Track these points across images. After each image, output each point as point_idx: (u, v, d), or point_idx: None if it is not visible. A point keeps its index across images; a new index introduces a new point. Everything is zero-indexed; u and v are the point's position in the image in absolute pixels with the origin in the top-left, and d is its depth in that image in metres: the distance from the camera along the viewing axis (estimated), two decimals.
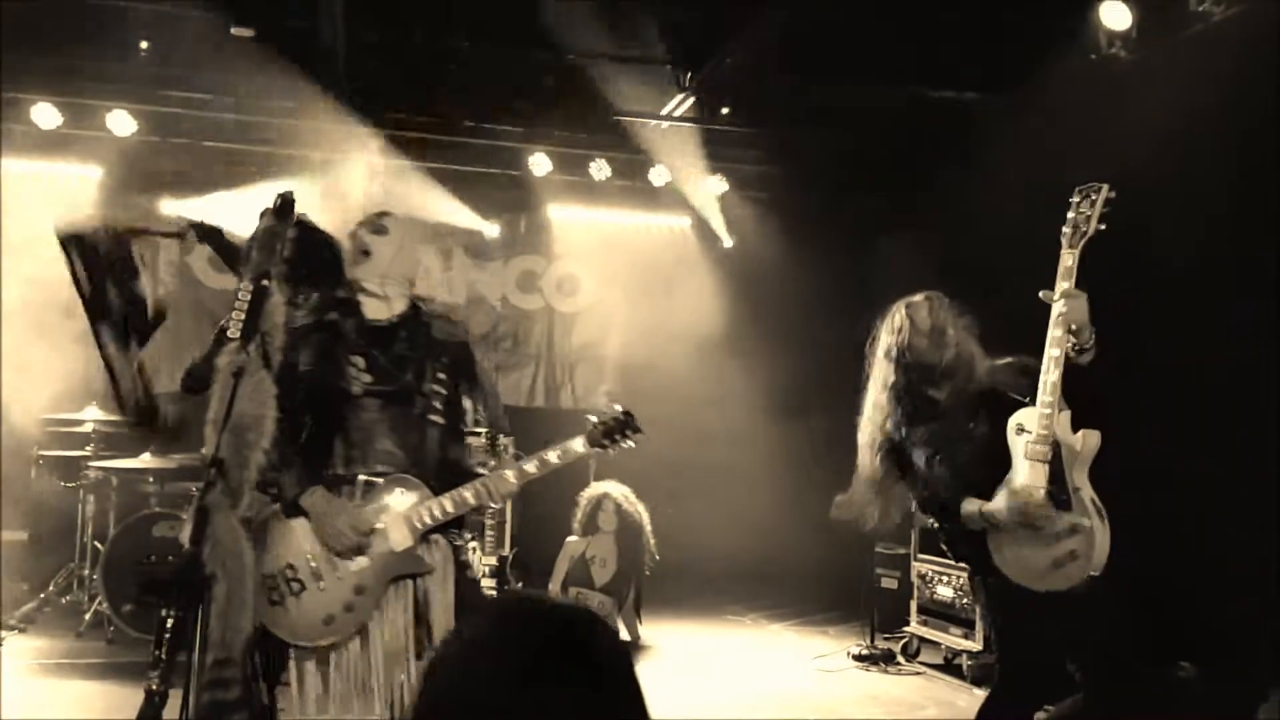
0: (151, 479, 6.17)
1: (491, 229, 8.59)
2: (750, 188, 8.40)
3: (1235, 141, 5.07)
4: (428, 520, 2.92)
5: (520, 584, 6.32)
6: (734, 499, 8.16)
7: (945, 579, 5.86)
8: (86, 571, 6.19)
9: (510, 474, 3.00)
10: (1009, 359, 3.47)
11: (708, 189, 8.21)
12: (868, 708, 5.17)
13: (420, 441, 2.98)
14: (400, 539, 2.90)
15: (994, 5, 5.31)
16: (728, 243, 8.78)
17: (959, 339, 3.48)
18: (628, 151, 7.84)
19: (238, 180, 7.29)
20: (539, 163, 7.72)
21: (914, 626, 6.09)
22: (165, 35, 6.17)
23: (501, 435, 5.54)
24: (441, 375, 3.05)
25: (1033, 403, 3.25)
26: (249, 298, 2.80)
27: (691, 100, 6.91)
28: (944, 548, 3.66)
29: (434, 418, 3.01)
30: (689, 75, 6.66)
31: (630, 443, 3.09)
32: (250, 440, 2.72)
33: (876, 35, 5.66)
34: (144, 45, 6.30)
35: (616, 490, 6.57)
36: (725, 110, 7.22)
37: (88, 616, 5.89)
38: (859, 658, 5.97)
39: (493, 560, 6.10)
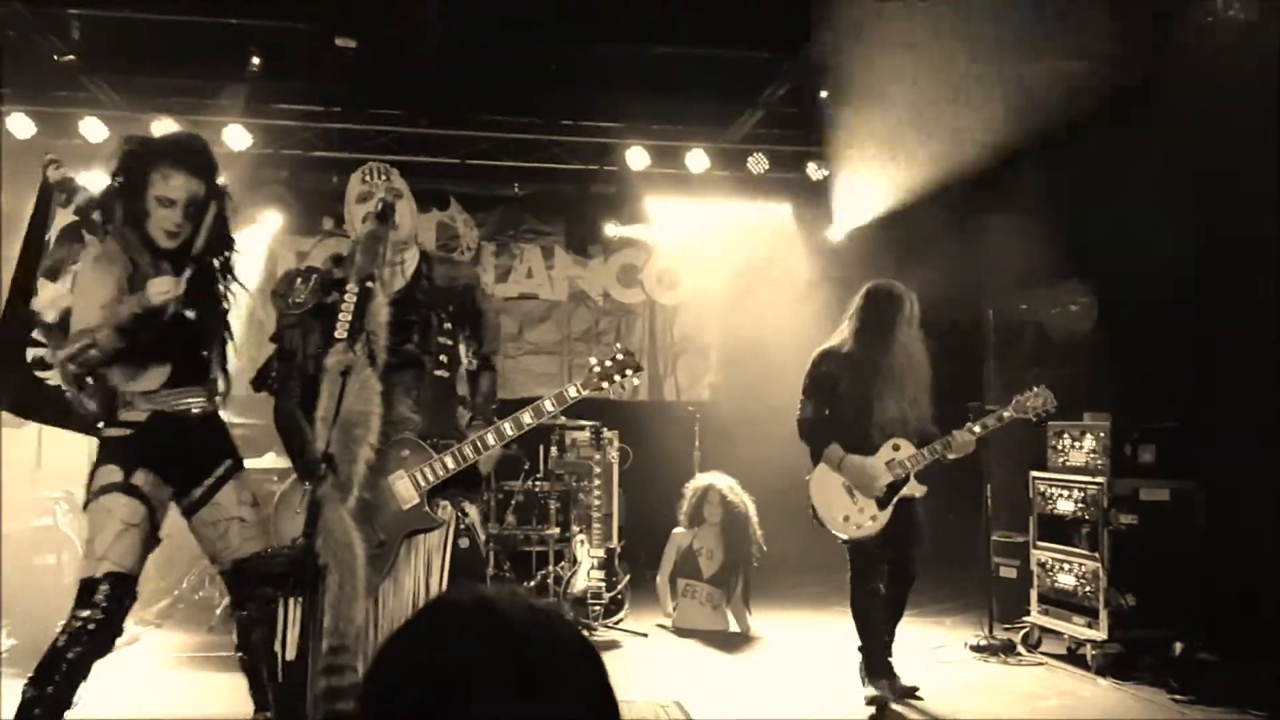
0: (276, 477, 6.38)
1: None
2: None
3: None
4: (430, 477, 3.01)
5: (628, 576, 6.34)
6: None
7: (1067, 567, 5.66)
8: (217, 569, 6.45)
9: (508, 425, 3.06)
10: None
11: (807, 175, 8.13)
12: (986, 699, 5.03)
13: (432, 400, 3.04)
14: (407, 495, 3.01)
15: None
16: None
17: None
18: (725, 141, 7.79)
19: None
20: (636, 156, 7.74)
21: (1035, 616, 5.90)
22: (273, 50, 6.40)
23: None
24: (448, 325, 3.11)
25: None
26: (355, 300, 2.88)
27: (788, 87, 6.83)
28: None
29: (441, 373, 3.08)
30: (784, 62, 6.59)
31: (635, 380, 3.12)
32: (358, 435, 2.80)
33: (974, 9, 5.49)
34: (254, 61, 6.54)
35: (721, 481, 6.54)
36: (823, 94, 7.11)
37: (218, 612, 6.13)
38: (977, 649, 5.81)
39: (600, 553, 6.13)
